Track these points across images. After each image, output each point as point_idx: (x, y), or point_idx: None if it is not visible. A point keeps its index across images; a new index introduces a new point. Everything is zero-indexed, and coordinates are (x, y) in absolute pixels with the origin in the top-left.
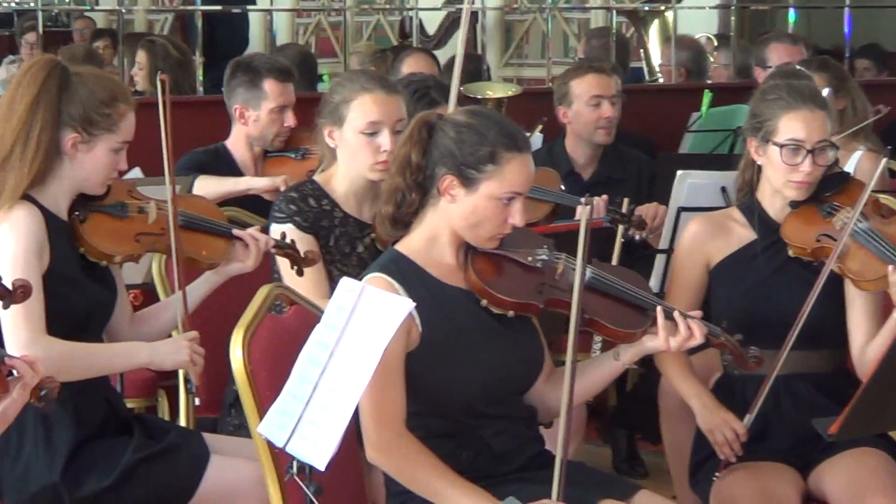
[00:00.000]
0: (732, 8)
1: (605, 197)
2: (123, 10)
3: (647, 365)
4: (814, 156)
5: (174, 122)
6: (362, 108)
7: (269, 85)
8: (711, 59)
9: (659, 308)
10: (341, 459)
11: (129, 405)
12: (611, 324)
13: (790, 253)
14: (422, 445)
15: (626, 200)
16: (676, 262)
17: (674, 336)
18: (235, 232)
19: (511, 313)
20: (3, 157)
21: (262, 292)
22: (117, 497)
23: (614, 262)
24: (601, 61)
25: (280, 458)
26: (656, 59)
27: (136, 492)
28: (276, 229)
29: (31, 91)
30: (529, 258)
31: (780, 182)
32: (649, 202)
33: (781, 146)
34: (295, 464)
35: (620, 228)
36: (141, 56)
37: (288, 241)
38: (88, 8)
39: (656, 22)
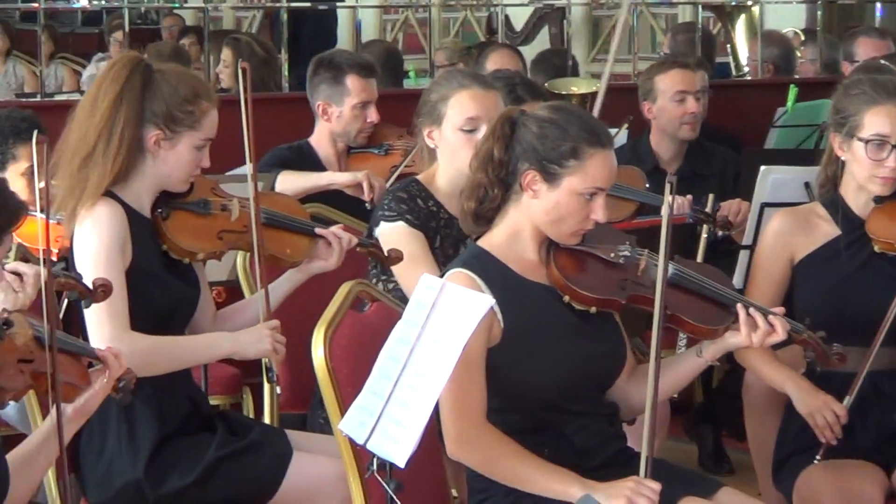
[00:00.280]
0: (819, 2)
1: (689, 196)
2: (210, 8)
3: (733, 361)
4: None
5: (259, 119)
6: (460, 105)
7: (351, 81)
8: (798, 54)
9: (740, 304)
10: (422, 456)
11: (213, 402)
12: (693, 320)
13: (875, 248)
14: (503, 434)
15: (711, 197)
16: (759, 257)
17: (755, 332)
18: (318, 230)
19: (593, 309)
20: (86, 153)
21: (344, 289)
22: (200, 493)
23: (699, 260)
24: (686, 56)
25: (361, 454)
26: (743, 55)
27: (218, 489)
28: (385, 227)
29: (114, 88)
30: (612, 254)
31: (865, 177)
32: (733, 198)
33: (866, 141)
34: (375, 461)
35: (705, 228)
36: (226, 53)
37: (397, 239)
38: (177, 5)
39: (743, 17)
